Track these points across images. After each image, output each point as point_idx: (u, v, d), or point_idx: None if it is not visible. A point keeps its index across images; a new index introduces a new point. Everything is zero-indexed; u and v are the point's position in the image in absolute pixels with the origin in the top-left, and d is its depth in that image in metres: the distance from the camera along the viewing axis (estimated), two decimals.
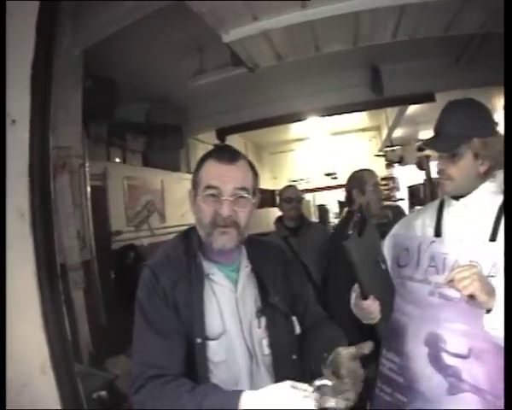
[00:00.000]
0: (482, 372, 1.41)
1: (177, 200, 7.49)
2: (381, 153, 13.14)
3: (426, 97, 7.22)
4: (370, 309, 1.56)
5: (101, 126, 6.00)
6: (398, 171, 13.62)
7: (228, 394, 1.23)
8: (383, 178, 13.94)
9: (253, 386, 1.39)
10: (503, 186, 1.50)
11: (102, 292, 4.36)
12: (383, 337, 1.79)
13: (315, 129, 11.47)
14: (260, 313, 1.50)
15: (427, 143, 1.67)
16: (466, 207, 1.57)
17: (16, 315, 1.32)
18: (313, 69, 6.43)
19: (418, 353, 1.59)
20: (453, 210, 1.62)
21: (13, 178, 1.33)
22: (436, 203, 1.72)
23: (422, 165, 11.05)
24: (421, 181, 13.05)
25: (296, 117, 8.25)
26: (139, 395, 1.30)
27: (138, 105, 7.06)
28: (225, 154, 1.51)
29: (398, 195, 13.47)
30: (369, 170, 3.15)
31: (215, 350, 1.40)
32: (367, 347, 1.26)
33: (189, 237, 1.54)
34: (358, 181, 2.96)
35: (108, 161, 6.35)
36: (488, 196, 1.54)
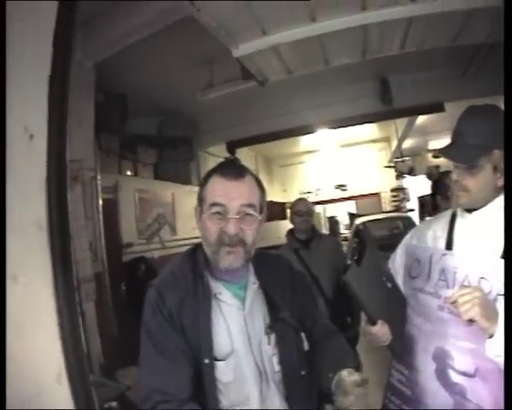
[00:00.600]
0: (487, 393, 1.37)
1: (187, 213, 7.52)
2: (391, 164, 13.14)
3: (435, 107, 7.26)
4: (380, 334, 1.50)
5: (112, 139, 6.07)
6: (408, 181, 13.59)
7: None
8: (393, 189, 13.95)
9: (263, 404, 1.36)
10: None
11: (113, 304, 4.38)
12: None
13: (324, 141, 11.54)
14: (270, 329, 1.43)
15: (444, 152, 1.52)
16: (479, 221, 1.48)
17: (32, 324, 1.33)
18: (322, 82, 6.50)
19: (426, 367, 1.55)
20: (465, 223, 1.52)
21: (31, 191, 1.36)
22: (448, 214, 1.63)
23: (433, 175, 11.01)
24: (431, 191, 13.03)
25: (306, 130, 8.32)
26: None
27: (150, 118, 7.16)
28: (231, 169, 1.41)
29: (408, 205, 13.43)
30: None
31: (224, 370, 1.35)
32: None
33: (195, 254, 1.47)
34: None
35: (120, 173, 6.41)
36: (502, 210, 1.38)
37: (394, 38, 3.87)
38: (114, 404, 2.36)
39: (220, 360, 1.34)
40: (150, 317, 1.37)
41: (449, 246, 1.53)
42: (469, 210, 1.50)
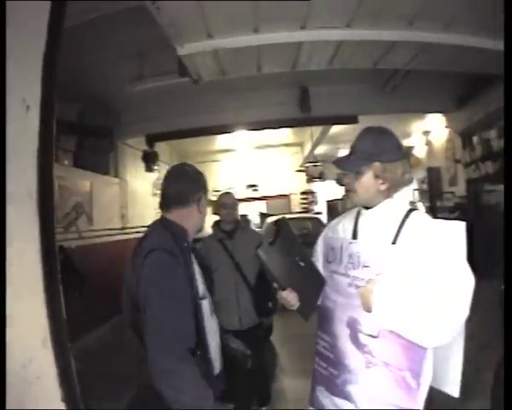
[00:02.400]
0: (390, 350, 1.73)
1: (104, 203, 7.40)
2: (303, 168, 13.78)
3: (350, 119, 7.83)
4: (287, 299, 1.92)
5: None
6: (317, 186, 14.34)
7: None
8: (303, 192, 14.62)
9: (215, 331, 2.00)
10: (404, 202, 1.83)
11: None
12: (318, 320, 2.10)
13: (240, 141, 11.80)
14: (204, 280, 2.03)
15: (336, 162, 1.93)
16: (374, 217, 1.85)
17: (25, 289, 1.41)
18: (244, 85, 6.75)
19: (342, 333, 1.90)
20: (365, 218, 1.89)
21: (25, 161, 1.43)
22: (354, 211, 2.01)
23: (342, 181, 11.70)
24: (340, 196, 13.90)
25: (225, 129, 8.55)
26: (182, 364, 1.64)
27: (73, 104, 6.89)
28: None
29: (316, 208, 14.17)
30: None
31: (205, 307, 1.88)
32: None
33: (168, 230, 1.87)
34: None
35: None
36: (390, 209, 1.81)
37: (324, 56, 4.22)
38: None
39: (203, 299, 1.88)
40: (170, 274, 1.73)
41: (354, 236, 1.91)
42: (367, 208, 1.88)
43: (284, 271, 1.93)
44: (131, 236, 8.32)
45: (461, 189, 8.46)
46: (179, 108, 7.61)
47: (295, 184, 14.56)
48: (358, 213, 1.95)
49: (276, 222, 2.11)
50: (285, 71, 4.88)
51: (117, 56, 5.29)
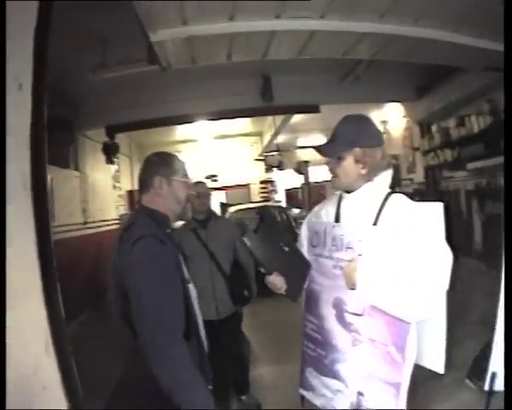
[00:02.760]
0: (374, 326, 1.83)
1: (65, 198, 7.15)
2: (261, 157, 13.86)
3: (311, 108, 8.00)
4: (274, 282, 2.02)
5: None
6: (276, 175, 14.47)
7: None
8: (262, 181, 14.72)
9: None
10: (384, 185, 1.92)
11: None
12: (305, 303, 2.19)
13: (200, 132, 11.72)
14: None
15: (318, 148, 2.00)
16: (355, 200, 1.93)
17: (24, 289, 1.36)
18: (206, 74, 6.69)
19: (328, 314, 1.96)
20: (347, 202, 1.98)
21: (20, 145, 1.38)
22: (336, 196, 2.07)
23: (301, 170, 11.94)
24: (298, 185, 14.10)
25: (186, 119, 8.47)
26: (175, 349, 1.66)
27: None
28: None
29: (276, 197, 14.31)
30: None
31: (192, 290, 1.94)
32: None
33: (153, 218, 1.88)
34: None
35: None
36: (371, 192, 1.90)
37: (295, 46, 4.27)
38: None
39: (189, 283, 1.93)
40: (160, 259, 1.74)
41: (337, 219, 2.00)
42: (348, 192, 1.97)
43: (270, 256, 2.04)
44: (93, 230, 8.17)
45: (419, 176, 8.79)
46: (140, 98, 7.44)
47: (254, 173, 14.64)
48: (340, 198, 2.04)
49: (258, 210, 2.22)
50: (252, 60, 4.89)
51: (78, 43, 5.10)
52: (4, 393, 1.20)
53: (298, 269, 2.09)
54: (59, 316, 1.41)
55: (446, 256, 1.70)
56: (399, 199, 1.87)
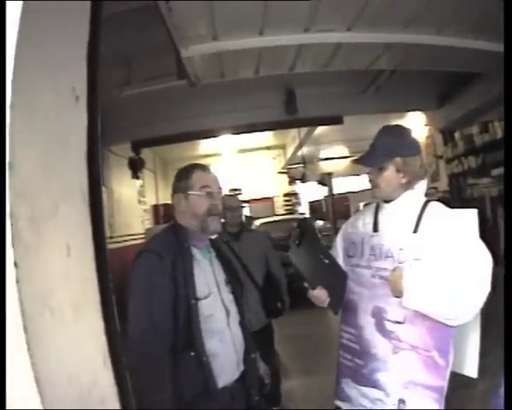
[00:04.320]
0: (417, 334, 1.84)
1: None
2: (285, 170, 13.87)
3: (335, 120, 8.02)
4: (319, 296, 2.01)
5: None
6: (299, 187, 14.45)
7: None
8: (286, 194, 14.71)
9: (232, 337, 1.94)
10: (421, 193, 1.96)
11: None
12: (341, 314, 2.18)
13: (224, 146, 11.82)
14: (228, 281, 2.05)
15: (359, 160, 2.03)
16: (394, 209, 1.96)
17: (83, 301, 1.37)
18: (230, 89, 6.71)
19: (367, 323, 1.96)
20: (385, 211, 2.00)
21: (77, 157, 1.40)
22: (373, 206, 2.10)
23: (324, 182, 11.89)
24: (322, 197, 14.05)
25: (212, 133, 8.54)
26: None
27: None
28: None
29: (300, 209, 14.27)
30: None
31: (204, 307, 1.85)
32: None
33: (174, 230, 1.96)
34: None
35: None
36: (410, 201, 1.93)
37: (322, 59, 4.36)
38: None
39: (203, 299, 1.85)
40: (151, 273, 1.80)
41: (375, 229, 2.03)
42: (387, 201, 2.00)
43: (313, 270, 2.04)
44: (119, 245, 8.24)
45: (443, 183, 8.69)
46: (165, 113, 7.54)
47: (278, 186, 14.67)
48: (377, 208, 2.07)
49: (298, 224, 2.21)
50: (277, 73, 4.96)
51: (105, 58, 5.20)
52: (4, 393, 1.20)
53: (338, 281, 2.09)
54: (115, 329, 1.42)
55: (487, 259, 1.75)
56: (437, 207, 1.92)
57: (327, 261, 2.05)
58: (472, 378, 1.93)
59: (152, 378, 1.69)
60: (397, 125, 2.08)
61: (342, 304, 2.11)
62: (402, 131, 2.03)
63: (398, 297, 1.79)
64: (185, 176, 1.99)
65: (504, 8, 1.72)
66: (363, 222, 2.12)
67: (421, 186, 1.97)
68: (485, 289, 1.72)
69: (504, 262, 1.34)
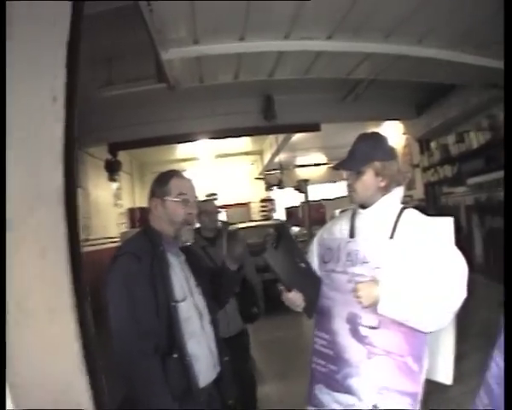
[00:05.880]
0: (390, 338, 1.86)
1: None
2: (261, 176, 13.90)
3: (313, 127, 8.10)
4: (294, 299, 2.03)
5: None
6: (275, 193, 14.50)
7: None
8: (262, 200, 14.74)
9: (207, 339, 1.98)
10: (398, 200, 1.97)
11: None
12: (315, 319, 2.18)
13: (201, 150, 11.79)
14: (198, 284, 2.07)
15: (339, 165, 2.05)
16: (371, 215, 1.98)
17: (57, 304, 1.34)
18: (209, 93, 6.74)
19: (342, 329, 1.98)
20: (362, 217, 2.02)
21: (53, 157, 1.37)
22: (349, 212, 2.12)
23: (301, 188, 11.98)
24: (298, 203, 14.14)
25: (190, 137, 8.48)
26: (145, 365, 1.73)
27: None
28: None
29: (275, 215, 14.31)
30: None
31: (183, 310, 1.88)
32: None
33: (147, 234, 1.98)
34: None
35: None
36: (387, 206, 1.95)
37: (302, 66, 4.40)
38: None
39: (180, 302, 1.88)
40: (130, 277, 1.80)
41: (351, 235, 2.04)
42: (364, 207, 2.02)
43: (288, 272, 2.03)
44: (95, 247, 8.12)
45: (419, 192, 8.87)
46: (143, 116, 7.47)
47: (254, 192, 14.71)
48: (354, 214, 2.08)
49: (276, 227, 2.22)
50: (257, 79, 4.98)
51: (85, 59, 5.12)
52: (4, 393, 1.18)
53: (313, 285, 2.10)
54: (90, 333, 1.40)
55: (463, 266, 1.79)
56: (414, 214, 1.94)
57: (303, 265, 2.07)
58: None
59: (139, 381, 1.72)
60: (374, 132, 2.12)
61: (316, 309, 2.12)
62: (379, 137, 2.07)
63: (371, 307, 1.80)
64: (163, 181, 2.00)
65: (504, 8, 1.76)
66: (340, 228, 2.13)
67: (399, 192, 2.00)
68: (461, 295, 1.75)
69: (504, 265, 1.35)
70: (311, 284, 2.11)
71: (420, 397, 1.79)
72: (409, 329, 1.79)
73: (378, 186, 1.96)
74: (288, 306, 2.11)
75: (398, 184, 2.00)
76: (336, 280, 2.03)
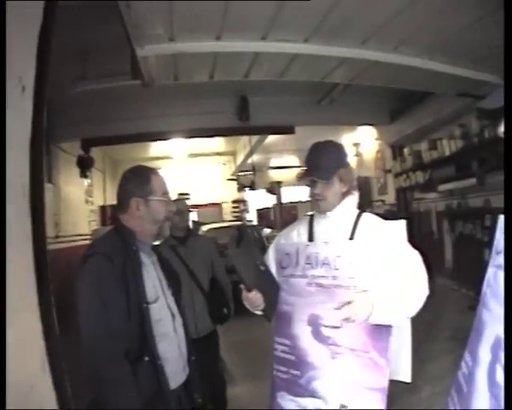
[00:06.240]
0: (353, 336, 1.88)
1: None
2: (234, 177, 13.90)
3: (287, 129, 8.15)
4: (254, 299, 2.01)
5: None
6: (248, 194, 14.51)
7: None
8: (234, 201, 14.74)
9: (178, 341, 1.97)
10: (355, 203, 2.06)
11: None
12: (274, 326, 2.18)
13: (174, 149, 11.75)
14: (169, 285, 2.06)
15: (310, 174, 2.05)
16: (330, 219, 2.04)
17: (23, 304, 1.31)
18: (184, 92, 6.73)
19: (303, 332, 1.99)
20: (321, 222, 2.08)
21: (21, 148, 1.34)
22: (307, 218, 2.17)
23: (274, 190, 12.06)
24: (270, 205, 14.21)
25: (164, 135, 8.44)
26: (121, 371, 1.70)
27: None
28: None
29: (247, 217, 14.31)
30: None
31: (155, 311, 1.86)
32: None
33: (120, 234, 1.93)
34: None
35: None
36: (346, 210, 2.04)
37: (277, 68, 4.42)
38: None
39: (152, 303, 1.86)
40: (103, 276, 1.76)
41: (310, 239, 2.09)
42: (323, 212, 2.08)
43: (250, 272, 2.04)
44: (65, 245, 7.94)
45: (391, 197, 9.03)
46: (117, 113, 7.38)
47: (227, 192, 14.69)
48: (312, 219, 2.15)
49: (238, 227, 2.24)
50: (232, 79, 4.98)
51: (58, 54, 5.01)
52: (4, 393, 1.15)
53: (272, 288, 2.11)
54: (54, 332, 1.36)
55: (420, 260, 1.91)
56: (371, 217, 2.06)
57: (263, 268, 2.08)
58: (416, 384, 2.01)
59: (109, 384, 1.69)
60: (328, 141, 2.14)
61: (274, 313, 2.12)
62: (339, 145, 2.14)
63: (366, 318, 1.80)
64: (143, 180, 1.95)
65: (504, 9, 1.79)
66: (298, 233, 2.17)
67: (356, 196, 2.09)
68: (425, 290, 1.85)
69: (504, 267, 1.37)
70: (271, 288, 2.11)
71: (387, 390, 1.81)
72: (372, 324, 1.82)
73: (341, 192, 2.04)
74: (248, 307, 2.12)
75: (355, 189, 2.09)
76: (296, 284, 2.05)
